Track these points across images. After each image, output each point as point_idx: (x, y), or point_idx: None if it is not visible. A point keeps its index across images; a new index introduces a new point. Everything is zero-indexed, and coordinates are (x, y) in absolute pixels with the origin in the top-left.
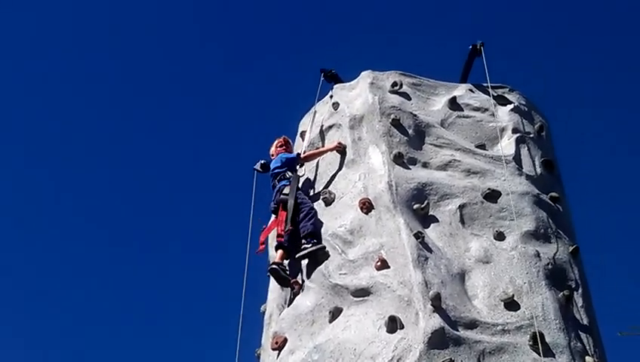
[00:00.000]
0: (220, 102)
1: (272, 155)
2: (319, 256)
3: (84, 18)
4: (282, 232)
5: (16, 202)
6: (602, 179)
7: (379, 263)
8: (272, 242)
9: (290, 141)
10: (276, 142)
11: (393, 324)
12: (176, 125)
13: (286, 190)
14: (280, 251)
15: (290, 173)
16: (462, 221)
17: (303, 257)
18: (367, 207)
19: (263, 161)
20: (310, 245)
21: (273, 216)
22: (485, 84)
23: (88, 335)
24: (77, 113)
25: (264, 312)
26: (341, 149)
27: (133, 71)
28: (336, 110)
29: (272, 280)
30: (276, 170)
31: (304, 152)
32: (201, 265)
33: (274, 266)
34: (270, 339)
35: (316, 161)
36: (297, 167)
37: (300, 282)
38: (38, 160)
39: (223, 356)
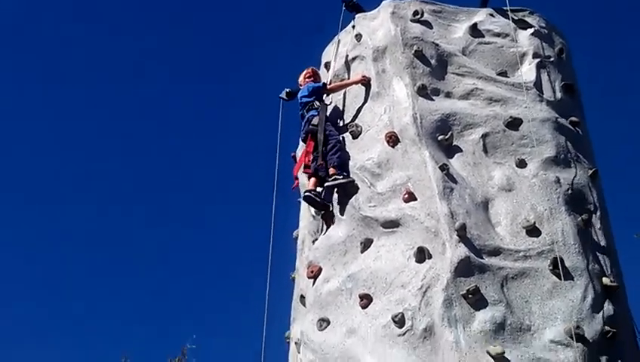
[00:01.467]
0: (243, 32)
1: (301, 85)
2: (348, 189)
3: None
4: (309, 163)
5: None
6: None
7: (406, 195)
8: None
9: (318, 72)
10: (304, 72)
11: (421, 254)
12: (206, 56)
13: (315, 120)
14: (313, 179)
15: (318, 103)
16: (485, 150)
17: (333, 187)
18: (393, 140)
19: (288, 89)
20: (341, 177)
21: (302, 144)
22: (505, 8)
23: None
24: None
25: (297, 238)
26: (366, 82)
27: None
28: (359, 42)
29: (302, 207)
30: (304, 100)
31: (330, 83)
32: (232, 196)
33: (308, 193)
34: (304, 265)
35: (342, 92)
36: (324, 97)
37: (332, 214)
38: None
39: (259, 279)
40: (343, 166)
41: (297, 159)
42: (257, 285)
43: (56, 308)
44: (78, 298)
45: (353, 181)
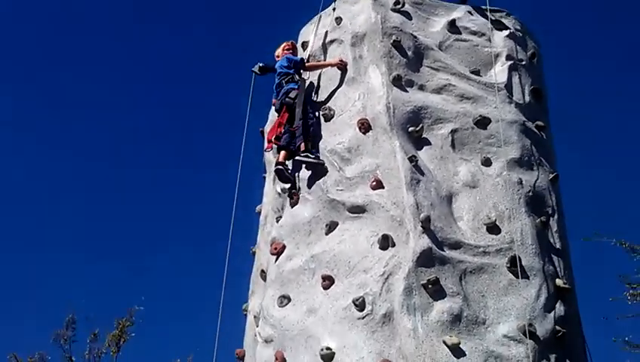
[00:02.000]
0: (223, 6)
1: (278, 57)
2: (317, 170)
3: None
4: (280, 135)
5: None
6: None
7: (374, 183)
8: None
9: (297, 48)
10: (283, 45)
11: (385, 242)
12: (183, 27)
13: (292, 93)
14: (283, 152)
15: (297, 77)
16: (452, 145)
17: (302, 163)
18: (365, 127)
19: (261, 64)
20: (313, 156)
21: (275, 114)
22: (484, 7)
23: None
24: None
25: (259, 213)
26: (342, 66)
27: None
28: (338, 25)
29: (267, 183)
30: (284, 70)
31: (307, 61)
32: (197, 165)
33: (279, 167)
34: (266, 241)
35: (318, 73)
36: (301, 72)
37: (297, 192)
38: None
39: (218, 252)
40: (314, 144)
41: (266, 133)
42: (217, 255)
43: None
44: (27, 252)
45: (323, 163)
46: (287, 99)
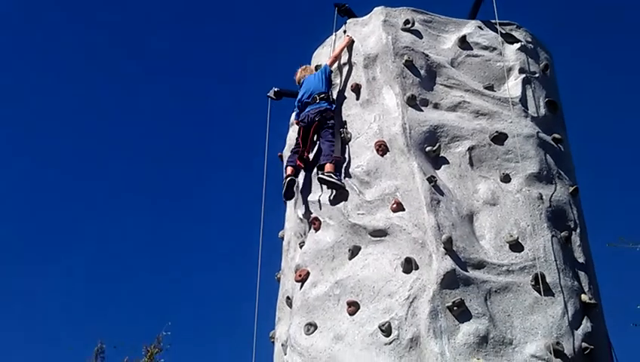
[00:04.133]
0: (236, 34)
1: (299, 81)
2: (337, 192)
3: None
4: (307, 155)
5: None
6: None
7: (394, 205)
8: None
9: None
10: (301, 67)
11: (409, 265)
12: (196, 57)
13: (327, 113)
14: (290, 168)
15: (332, 97)
16: (470, 163)
17: (324, 181)
18: (382, 149)
19: (276, 89)
20: (336, 178)
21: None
22: (494, 21)
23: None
24: None
25: (282, 238)
26: (351, 41)
27: None
28: (350, 47)
29: (288, 208)
30: (322, 89)
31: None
32: (221, 192)
33: (291, 177)
34: (290, 267)
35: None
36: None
37: (320, 219)
38: None
39: (244, 278)
40: (338, 168)
41: (285, 157)
42: (241, 283)
43: (34, 290)
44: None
45: (344, 187)
46: (322, 116)
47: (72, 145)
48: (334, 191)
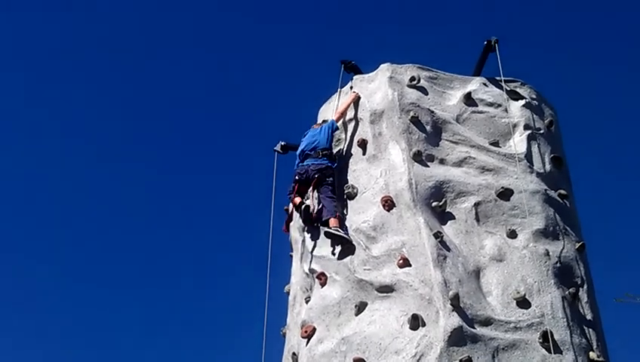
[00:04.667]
0: (241, 91)
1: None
2: (343, 247)
3: None
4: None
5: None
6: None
7: (401, 261)
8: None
9: None
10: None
11: (415, 322)
12: (200, 112)
13: (327, 170)
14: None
15: (334, 153)
16: (477, 218)
17: (331, 235)
18: (389, 204)
19: (283, 143)
20: (343, 231)
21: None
22: (498, 78)
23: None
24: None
25: (288, 293)
26: (357, 98)
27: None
28: (356, 103)
29: (294, 262)
30: (324, 145)
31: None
32: (225, 246)
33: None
34: (296, 322)
35: (336, 151)
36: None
37: (327, 274)
38: None
39: (249, 334)
40: (342, 223)
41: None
42: (245, 338)
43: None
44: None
45: (351, 241)
46: (321, 173)
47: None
48: (341, 246)
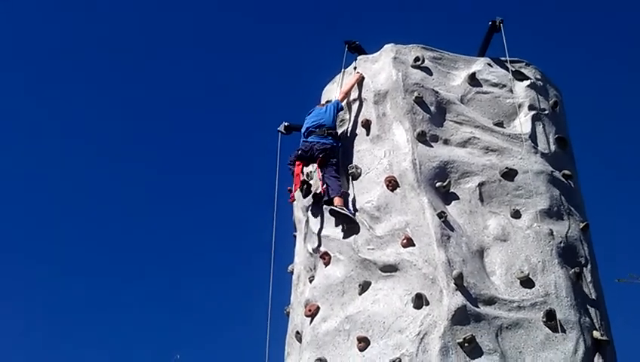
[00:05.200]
0: (246, 71)
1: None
2: (347, 226)
3: None
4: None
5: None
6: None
7: (405, 241)
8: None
9: None
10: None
11: (419, 301)
12: (207, 94)
13: (333, 151)
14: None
15: (337, 132)
16: (481, 198)
17: (335, 213)
18: (392, 184)
19: (286, 123)
20: (347, 211)
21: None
22: (503, 59)
23: None
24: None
25: (292, 272)
26: (361, 78)
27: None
28: (360, 83)
29: (297, 242)
30: (328, 123)
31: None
32: (229, 225)
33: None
34: (299, 301)
35: (340, 132)
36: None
37: (330, 254)
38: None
39: (253, 312)
40: (345, 203)
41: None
42: (251, 317)
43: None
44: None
45: (355, 221)
46: (326, 153)
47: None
48: (345, 226)
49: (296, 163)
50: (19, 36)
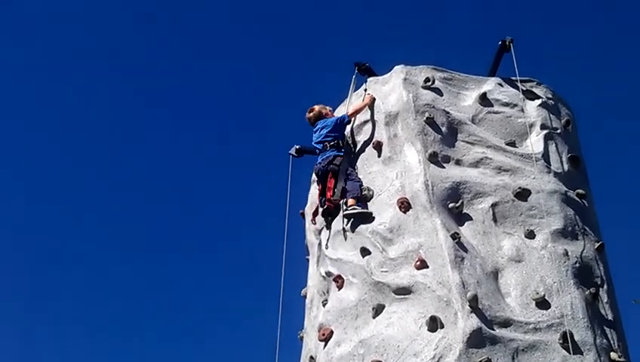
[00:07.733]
0: (255, 93)
1: (310, 118)
2: (364, 219)
3: None
4: (331, 198)
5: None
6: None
7: (418, 263)
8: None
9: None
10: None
11: (434, 323)
12: (214, 114)
13: (337, 160)
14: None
15: (342, 143)
16: (494, 219)
17: (351, 216)
18: (405, 206)
19: (298, 146)
20: (359, 208)
21: (315, 183)
22: (514, 78)
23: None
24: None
25: (305, 296)
26: (372, 101)
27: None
28: (371, 105)
29: (310, 265)
30: (331, 136)
31: (348, 113)
32: (240, 249)
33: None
34: (313, 325)
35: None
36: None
37: (343, 277)
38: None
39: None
40: (361, 200)
41: (307, 214)
42: (263, 344)
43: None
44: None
45: (371, 213)
46: (331, 166)
47: None
48: (362, 222)
49: (318, 185)
50: (19, 36)
